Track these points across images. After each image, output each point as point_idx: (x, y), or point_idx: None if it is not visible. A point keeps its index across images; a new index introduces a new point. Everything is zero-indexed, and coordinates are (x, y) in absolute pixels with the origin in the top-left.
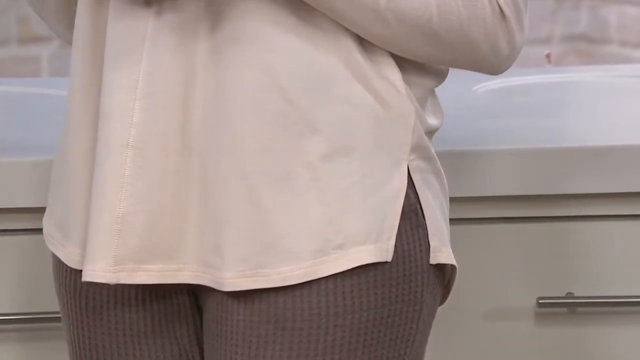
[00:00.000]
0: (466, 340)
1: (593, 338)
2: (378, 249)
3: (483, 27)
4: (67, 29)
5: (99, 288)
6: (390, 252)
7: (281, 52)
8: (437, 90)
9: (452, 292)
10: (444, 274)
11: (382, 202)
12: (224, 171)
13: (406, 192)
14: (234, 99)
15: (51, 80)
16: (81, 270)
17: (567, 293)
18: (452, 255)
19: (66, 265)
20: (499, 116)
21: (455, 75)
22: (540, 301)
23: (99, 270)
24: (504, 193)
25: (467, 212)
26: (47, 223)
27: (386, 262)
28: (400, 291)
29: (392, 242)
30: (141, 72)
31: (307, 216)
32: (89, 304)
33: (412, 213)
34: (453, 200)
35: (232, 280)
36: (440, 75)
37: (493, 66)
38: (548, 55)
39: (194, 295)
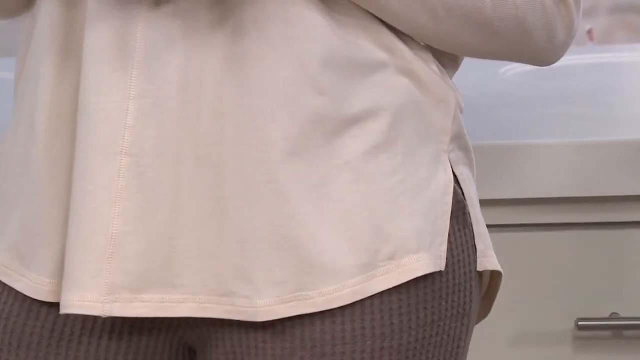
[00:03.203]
0: None
1: None
2: (432, 256)
3: (542, 12)
4: None
5: (42, 321)
6: (444, 259)
7: (310, 38)
8: (461, 75)
9: None
10: (482, 281)
11: (431, 202)
12: (250, 181)
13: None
14: (260, 96)
15: None
16: (25, 298)
17: (612, 314)
18: (497, 260)
19: None
20: (531, 104)
21: None
22: (580, 323)
23: (89, 300)
24: (536, 195)
25: (494, 218)
26: None
27: (438, 271)
28: (450, 305)
29: (445, 247)
30: (135, 66)
31: (350, 225)
32: (33, 339)
33: (460, 212)
34: (481, 203)
35: (268, 307)
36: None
37: (546, 56)
38: (590, 32)
39: (182, 329)
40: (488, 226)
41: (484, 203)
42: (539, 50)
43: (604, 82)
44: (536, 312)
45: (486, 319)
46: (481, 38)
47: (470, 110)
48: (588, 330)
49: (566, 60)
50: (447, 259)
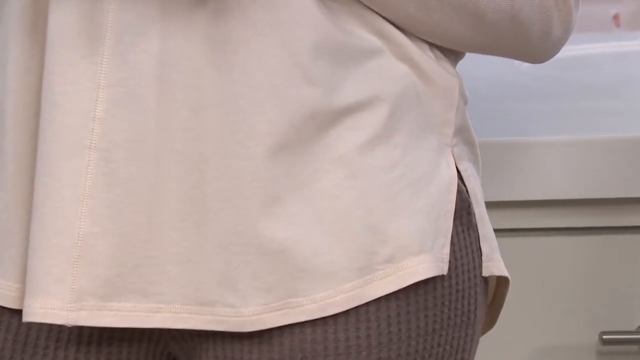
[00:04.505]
0: None
1: None
2: (434, 259)
3: (539, 5)
4: None
5: (13, 334)
6: (446, 262)
7: (299, 23)
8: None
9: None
10: (487, 288)
11: (433, 199)
12: (234, 179)
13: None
14: (245, 85)
15: None
16: None
17: (639, 327)
18: (504, 265)
19: None
20: (551, 97)
21: None
22: (604, 337)
23: (52, 307)
24: (557, 196)
25: (510, 221)
26: None
27: (440, 275)
28: (453, 312)
29: (448, 249)
30: (106, 51)
31: (344, 225)
32: (5, 354)
33: (464, 211)
34: (492, 205)
35: (255, 316)
36: None
37: (540, 53)
38: (616, 17)
39: (164, 339)
40: (507, 230)
41: (503, 205)
42: (533, 45)
43: (631, 73)
44: (557, 325)
45: (504, 333)
46: (473, 30)
47: (483, 104)
48: (613, 345)
49: (589, 48)
50: (449, 262)
